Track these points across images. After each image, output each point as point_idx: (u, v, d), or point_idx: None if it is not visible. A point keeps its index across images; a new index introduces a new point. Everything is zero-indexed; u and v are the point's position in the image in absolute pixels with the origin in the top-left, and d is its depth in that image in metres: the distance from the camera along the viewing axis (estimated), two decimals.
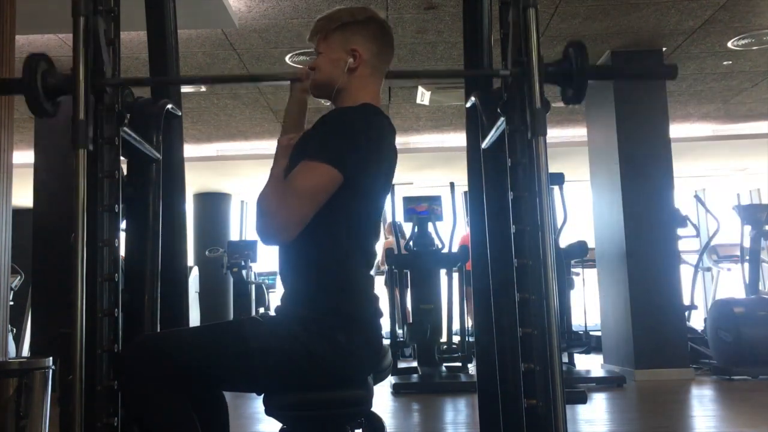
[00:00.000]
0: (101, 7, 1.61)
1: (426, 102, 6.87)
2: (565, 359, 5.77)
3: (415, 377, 5.52)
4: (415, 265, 6.00)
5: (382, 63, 1.75)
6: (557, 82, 1.63)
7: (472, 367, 5.62)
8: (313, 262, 1.60)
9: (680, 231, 6.24)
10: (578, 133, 7.89)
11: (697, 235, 7.47)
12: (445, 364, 5.82)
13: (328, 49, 1.71)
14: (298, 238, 1.56)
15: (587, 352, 6.43)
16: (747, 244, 6.46)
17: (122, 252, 1.70)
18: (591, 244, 6.09)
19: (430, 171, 9.32)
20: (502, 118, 1.66)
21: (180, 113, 2.04)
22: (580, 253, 5.89)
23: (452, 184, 6.57)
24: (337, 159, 1.54)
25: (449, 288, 5.95)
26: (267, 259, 8.66)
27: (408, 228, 6.46)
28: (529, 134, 1.54)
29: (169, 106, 1.93)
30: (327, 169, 1.53)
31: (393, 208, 6.46)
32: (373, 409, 1.66)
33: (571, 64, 1.59)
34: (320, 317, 1.56)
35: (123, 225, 1.75)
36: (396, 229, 6.47)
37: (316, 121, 1.67)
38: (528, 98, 1.56)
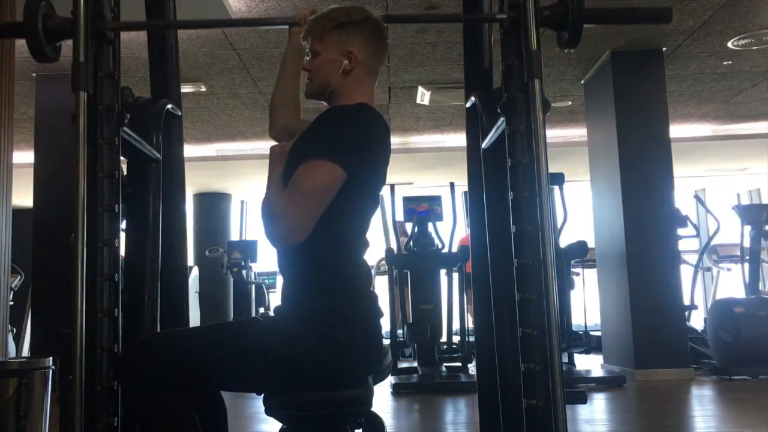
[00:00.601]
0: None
1: (426, 102, 6.87)
2: (565, 359, 5.77)
3: (415, 377, 5.52)
4: (415, 265, 6.00)
5: (378, 63, 1.75)
6: (553, 25, 1.62)
7: (472, 367, 5.62)
8: (313, 261, 1.60)
9: (680, 231, 6.24)
10: (578, 133, 7.90)
11: (697, 235, 7.47)
12: (445, 364, 5.82)
13: (323, 49, 1.70)
14: None
15: (587, 352, 6.44)
16: (747, 244, 6.46)
17: (122, 252, 1.69)
18: (591, 244, 6.10)
19: (430, 171, 9.32)
20: (502, 118, 1.66)
21: (180, 113, 2.04)
22: (580, 253, 5.89)
23: (452, 184, 6.57)
24: (340, 156, 1.54)
25: (449, 288, 5.95)
26: (267, 259, 8.66)
27: (408, 228, 6.46)
28: (525, 77, 1.54)
29: (169, 106, 1.93)
30: (331, 167, 1.53)
31: (393, 208, 6.46)
32: (373, 409, 1.66)
33: (567, 8, 1.59)
34: (320, 317, 1.56)
35: (123, 225, 1.75)
36: (396, 229, 6.47)
37: (312, 122, 1.67)
38: (524, 41, 1.56)
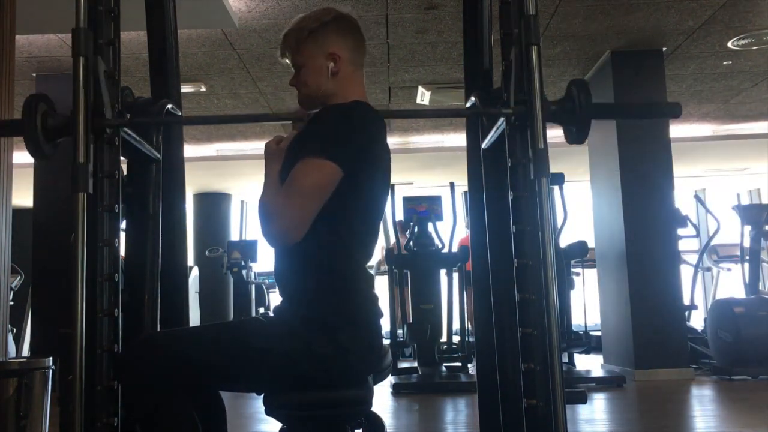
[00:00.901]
0: (101, 41, 1.59)
1: (426, 102, 6.87)
2: (565, 359, 5.77)
3: (415, 377, 5.52)
4: (415, 265, 6.00)
5: (360, 56, 1.75)
6: (560, 120, 1.63)
7: (472, 367, 5.62)
8: (312, 261, 1.60)
9: (680, 231, 6.24)
10: None
11: (697, 235, 7.47)
12: (445, 364, 5.82)
13: (306, 60, 1.69)
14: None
15: (587, 352, 6.44)
16: (747, 244, 6.46)
17: (122, 252, 1.69)
18: (591, 244, 6.10)
19: (430, 171, 9.32)
20: (502, 118, 1.66)
21: (180, 113, 2.04)
22: (580, 253, 5.89)
23: (452, 184, 6.57)
24: (337, 154, 1.54)
25: (449, 288, 5.95)
26: (267, 259, 8.66)
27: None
28: (532, 175, 1.53)
29: (169, 106, 1.93)
30: (328, 164, 1.53)
31: (393, 208, 6.46)
32: (373, 409, 1.66)
33: (574, 103, 1.58)
34: (320, 317, 1.56)
35: (123, 225, 1.75)
36: (396, 229, 6.47)
37: (309, 120, 1.67)
38: (531, 138, 1.56)
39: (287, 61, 1.75)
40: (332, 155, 1.53)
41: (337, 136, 1.56)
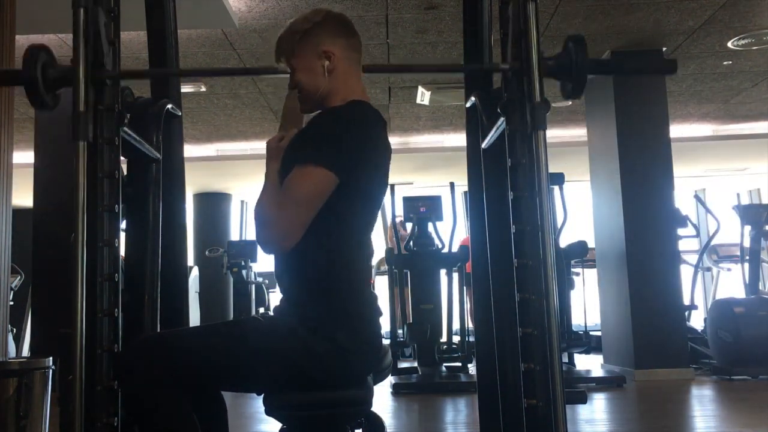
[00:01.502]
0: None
1: (426, 102, 6.87)
2: (565, 359, 5.77)
3: (415, 377, 5.52)
4: (415, 265, 6.00)
5: (355, 52, 1.74)
6: (557, 76, 1.63)
7: (472, 367, 5.62)
8: (312, 262, 1.60)
9: (680, 231, 6.24)
10: (578, 133, 7.89)
11: (697, 235, 7.47)
12: (445, 364, 5.82)
13: (300, 62, 1.70)
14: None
15: (587, 352, 6.44)
16: (747, 244, 6.45)
17: (122, 252, 1.69)
18: (591, 244, 6.10)
19: (430, 171, 9.32)
20: (502, 118, 1.66)
21: (180, 113, 2.04)
22: (580, 253, 5.89)
23: (452, 184, 6.57)
24: (332, 161, 1.54)
25: (449, 288, 5.95)
26: (267, 259, 8.65)
27: (408, 228, 6.46)
28: (529, 129, 1.54)
29: (169, 106, 1.93)
30: (322, 172, 1.53)
31: (393, 208, 6.46)
32: (373, 409, 1.66)
33: (571, 59, 1.58)
34: (320, 317, 1.56)
35: (123, 225, 1.75)
36: (396, 229, 6.47)
37: (307, 123, 1.67)
38: (528, 93, 1.56)
39: (283, 65, 1.75)
40: (327, 163, 1.54)
41: (332, 142, 1.56)
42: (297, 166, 1.55)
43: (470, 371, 5.60)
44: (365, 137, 1.62)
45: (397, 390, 5.12)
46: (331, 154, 1.55)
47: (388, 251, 6.07)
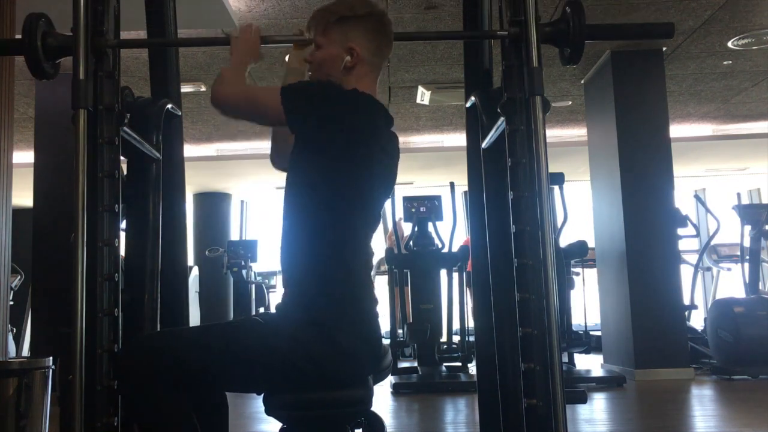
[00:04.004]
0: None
1: (426, 102, 6.87)
2: (565, 359, 5.77)
3: (415, 377, 5.52)
4: (415, 265, 6.00)
5: (381, 59, 1.73)
6: (554, 42, 1.63)
7: (472, 367, 5.62)
8: (314, 263, 1.60)
9: (680, 231, 6.23)
10: (578, 133, 7.89)
11: (697, 235, 7.47)
12: (445, 364, 5.82)
13: (326, 43, 1.68)
14: (300, 238, 1.58)
15: (587, 352, 6.43)
16: (747, 244, 6.45)
17: (122, 252, 1.70)
18: (591, 244, 6.09)
19: (430, 171, 9.32)
20: (502, 118, 1.66)
21: (180, 113, 2.04)
22: (580, 253, 5.89)
23: (452, 184, 6.56)
24: (292, 102, 1.57)
25: (449, 288, 5.95)
26: (267, 259, 8.66)
27: (408, 228, 6.46)
28: (527, 94, 1.54)
29: (169, 105, 1.93)
30: (279, 107, 1.56)
31: (393, 208, 6.46)
32: (373, 409, 1.66)
33: (568, 24, 1.59)
34: (320, 317, 1.56)
35: (123, 225, 1.75)
36: (396, 229, 6.46)
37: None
38: (525, 59, 1.56)
39: (310, 35, 1.74)
40: (289, 106, 1.56)
41: (308, 92, 1.60)
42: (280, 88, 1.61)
43: (470, 371, 5.60)
44: (351, 112, 1.59)
45: (397, 390, 5.12)
46: (297, 98, 1.58)
47: (388, 251, 6.06)
